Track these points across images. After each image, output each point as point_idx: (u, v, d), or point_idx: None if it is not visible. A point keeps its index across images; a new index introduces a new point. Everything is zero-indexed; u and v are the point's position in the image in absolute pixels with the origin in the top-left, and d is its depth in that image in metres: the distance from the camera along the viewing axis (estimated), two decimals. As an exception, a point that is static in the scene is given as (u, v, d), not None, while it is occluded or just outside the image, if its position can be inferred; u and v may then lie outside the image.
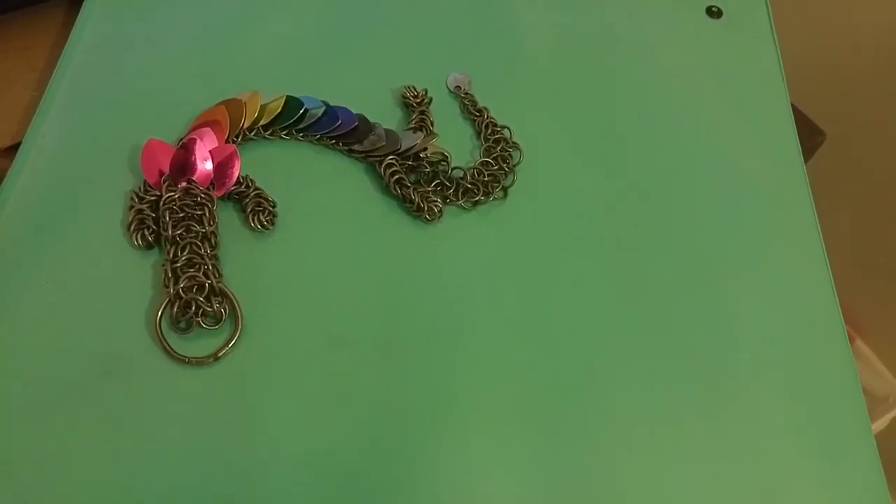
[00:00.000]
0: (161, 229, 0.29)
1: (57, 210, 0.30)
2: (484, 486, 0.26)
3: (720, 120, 0.38)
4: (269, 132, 0.33)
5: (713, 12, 0.43)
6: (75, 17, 0.36)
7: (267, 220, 0.30)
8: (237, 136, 0.32)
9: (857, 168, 0.66)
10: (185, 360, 0.26)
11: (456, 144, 0.34)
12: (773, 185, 0.36)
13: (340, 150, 0.33)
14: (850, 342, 0.32)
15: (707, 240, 0.33)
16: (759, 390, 0.29)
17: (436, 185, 0.32)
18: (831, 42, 0.63)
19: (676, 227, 0.34)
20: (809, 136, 0.46)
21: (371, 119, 0.34)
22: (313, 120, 0.32)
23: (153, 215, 0.29)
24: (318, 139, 0.33)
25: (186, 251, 0.28)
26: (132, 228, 0.29)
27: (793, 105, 0.40)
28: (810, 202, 0.36)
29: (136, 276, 0.28)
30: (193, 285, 0.27)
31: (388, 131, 0.33)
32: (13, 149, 0.32)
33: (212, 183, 0.30)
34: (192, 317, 0.27)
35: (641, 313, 0.31)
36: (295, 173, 0.32)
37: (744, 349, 0.30)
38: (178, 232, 0.28)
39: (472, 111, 0.36)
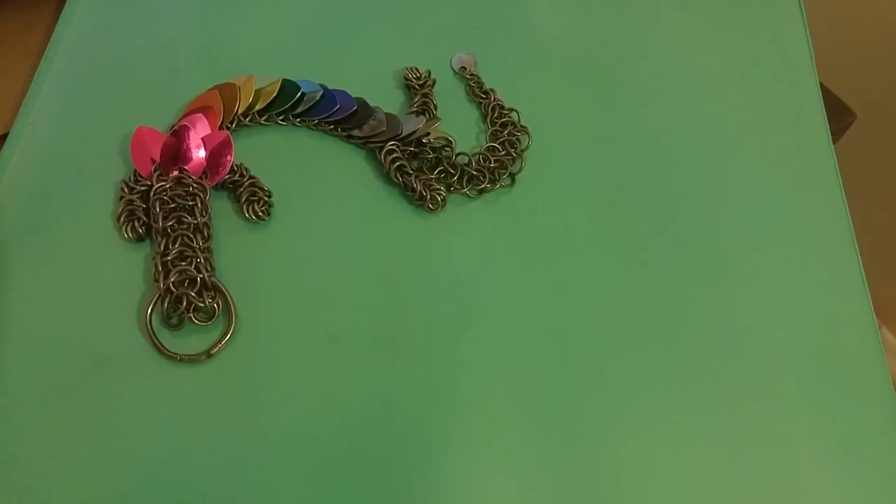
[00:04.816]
0: (152, 221, 0.28)
1: (45, 201, 0.29)
2: (486, 485, 0.25)
3: (744, 99, 0.37)
4: (264, 118, 0.32)
5: (736, -15, 0.41)
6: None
7: (262, 211, 0.29)
8: (231, 123, 0.31)
9: (888, 150, 0.63)
10: (176, 358, 0.26)
11: (460, 129, 0.33)
12: (800, 168, 0.35)
13: (339, 136, 0.32)
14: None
15: (730, 224, 0.32)
16: (783, 381, 0.28)
17: (439, 173, 0.31)
18: (862, 17, 0.61)
19: (696, 212, 0.32)
20: (838, 116, 0.45)
21: (371, 103, 0.33)
22: (311, 104, 0.32)
23: (144, 206, 0.28)
24: (315, 125, 0.32)
25: (178, 243, 0.27)
26: (122, 220, 0.28)
27: (821, 84, 0.38)
28: (839, 185, 0.34)
29: (127, 269, 0.28)
30: (185, 279, 0.27)
31: (388, 116, 0.32)
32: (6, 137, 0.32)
33: (204, 172, 0.29)
34: (183, 312, 0.26)
35: (658, 304, 0.29)
36: (291, 161, 0.31)
37: (767, 338, 0.29)
38: (169, 223, 0.28)
39: (478, 93, 0.35)
